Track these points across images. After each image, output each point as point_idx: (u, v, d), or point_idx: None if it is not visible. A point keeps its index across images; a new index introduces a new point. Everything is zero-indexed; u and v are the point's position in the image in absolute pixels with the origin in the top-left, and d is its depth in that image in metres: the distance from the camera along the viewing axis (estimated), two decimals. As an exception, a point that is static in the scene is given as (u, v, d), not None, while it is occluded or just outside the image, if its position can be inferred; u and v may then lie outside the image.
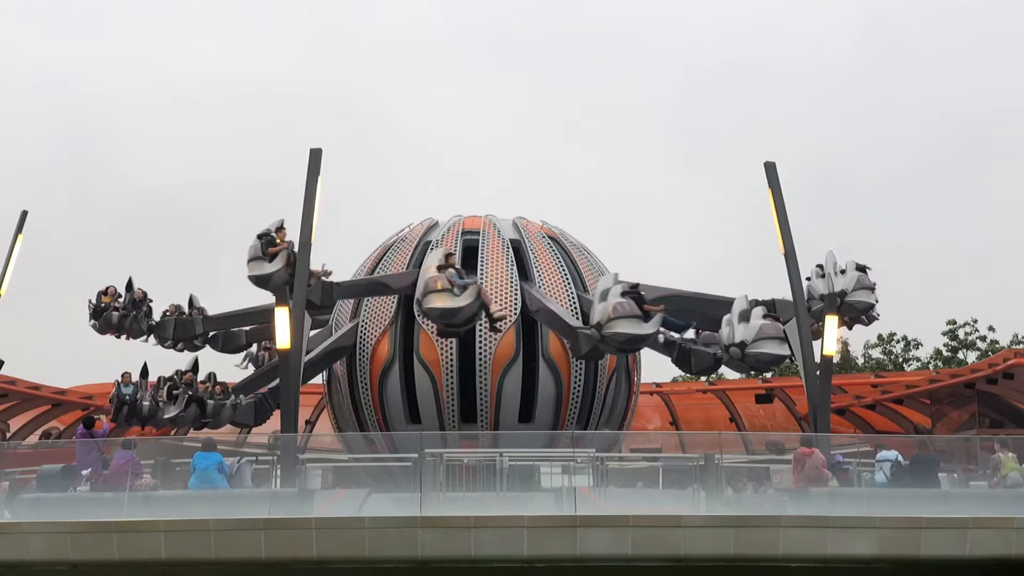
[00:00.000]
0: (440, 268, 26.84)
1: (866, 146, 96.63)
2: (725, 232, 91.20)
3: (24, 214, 30.85)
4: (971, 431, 36.20)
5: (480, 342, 30.91)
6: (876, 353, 63.64)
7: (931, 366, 59.94)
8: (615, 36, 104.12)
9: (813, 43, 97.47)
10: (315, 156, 26.31)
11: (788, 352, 27.27)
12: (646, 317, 26.56)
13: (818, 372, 26.74)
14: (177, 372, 29.47)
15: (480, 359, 31.07)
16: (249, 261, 27.23)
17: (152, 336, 31.04)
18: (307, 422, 39.93)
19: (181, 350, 31.55)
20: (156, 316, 31.06)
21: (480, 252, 32.32)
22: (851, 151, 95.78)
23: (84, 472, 22.44)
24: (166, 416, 28.67)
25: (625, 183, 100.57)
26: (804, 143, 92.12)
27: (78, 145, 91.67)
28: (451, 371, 31.03)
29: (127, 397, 28.83)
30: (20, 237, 30.59)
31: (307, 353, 30.47)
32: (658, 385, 45.31)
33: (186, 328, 30.98)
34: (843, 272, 29.02)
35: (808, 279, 28.86)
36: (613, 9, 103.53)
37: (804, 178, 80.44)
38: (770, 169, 27.38)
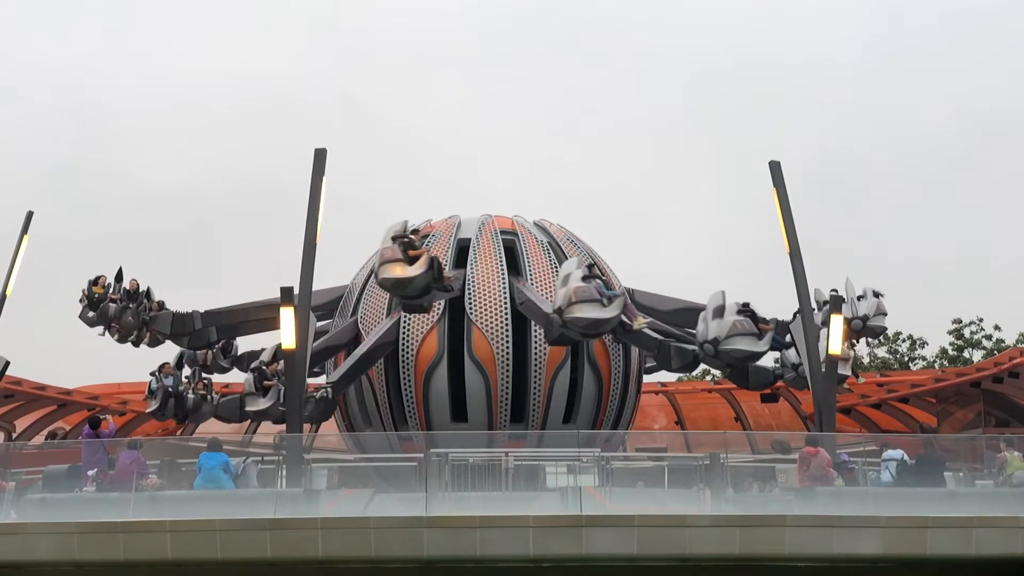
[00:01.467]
0: (585, 279, 26.99)
1: (874, 146, 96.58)
2: (730, 232, 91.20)
3: (30, 215, 30.86)
4: (977, 430, 36.17)
5: (535, 341, 31.07)
6: (882, 352, 63.55)
7: (937, 365, 59.85)
8: (622, 34, 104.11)
9: (823, 43, 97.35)
10: (320, 156, 26.30)
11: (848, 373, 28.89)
12: (760, 335, 27.05)
13: (823, 371, 26.73)
14: (262, 363, 28.58)
15: (536, 359, 31.17)
16: (384, 264, 26.87)
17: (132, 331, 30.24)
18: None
19: (137, 344, 30.74)
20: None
21: (522, 254, 32.48)
22: (859, 151, 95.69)
23: (90, 472, 22.47)
24: (253, 409, 27.79)
25: (630, 182, 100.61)
26: (812, 143, 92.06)
27: (83, 145, 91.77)
28: (507, 370, 31.04)
29: (170, 389, 28.18)
30: (26, 238, 30.56)
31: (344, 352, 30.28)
32: (663, 384, 45.27)
33: (184, 323, 30.56)
34: (861, 298, 30.35)
35: (825, 303, 28.99)
36: (620, 7, 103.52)
37: (812, 178, 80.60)
38: (775, 168, 27.38)
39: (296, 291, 25.56)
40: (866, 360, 62.80)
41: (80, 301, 30.19)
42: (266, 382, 27.89)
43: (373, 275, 27.98)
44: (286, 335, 25.08)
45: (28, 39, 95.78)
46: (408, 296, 27.55)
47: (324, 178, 26.15)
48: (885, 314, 30.88)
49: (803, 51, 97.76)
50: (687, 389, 47.18)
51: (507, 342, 30.97)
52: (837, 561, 20.28)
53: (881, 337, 31.64)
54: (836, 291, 30.13)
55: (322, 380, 30.79)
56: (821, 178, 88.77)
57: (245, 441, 32.51)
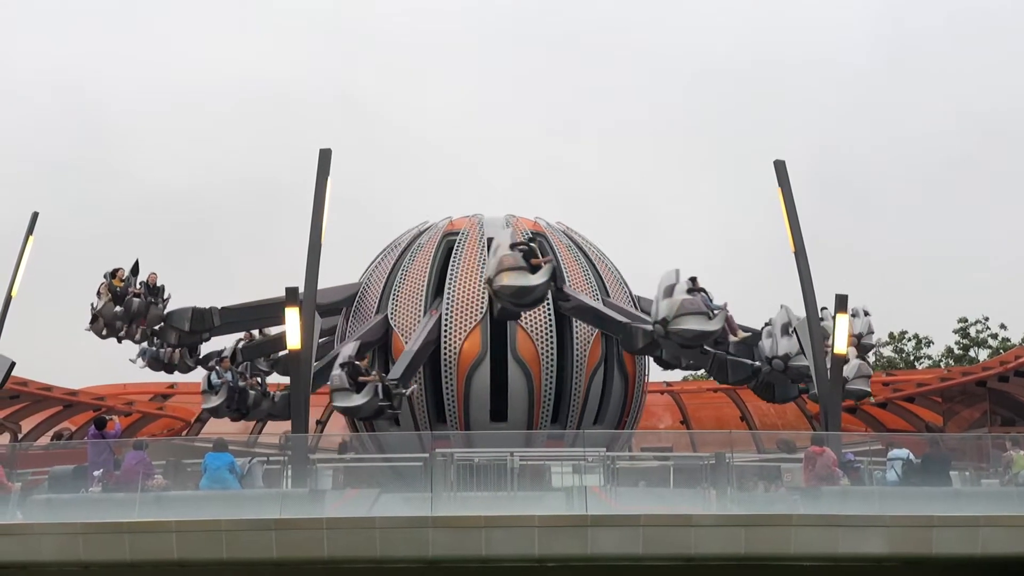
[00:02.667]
0: (690, 291, 27.43)
1: (876, 146, 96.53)
2: (732, 232, 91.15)
3: (35, 216, 30.85)
4: (982, 429, 36.18)
5: (576, 342, 31.42)
6: (887, 351, 63.49)
7: (942, 364, 59.81)
8: (622, 35, 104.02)
9: (824, 43, 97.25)
10: (324, 157, 26.30)
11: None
12: None
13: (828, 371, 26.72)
14: (351, 359, 28.27)
15: (576, 359, 31.26)
16: (505, 271, 26.89)
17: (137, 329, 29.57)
18: (318, 422, 39.94)
19: (120, 341, 29.97)
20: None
21: (555, 256, 32.73)
22: (861, 151, 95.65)
23: (96, 473, 22.48)
24: (346, 405, 27.51)
25: (630, 183, 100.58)
26: (814, 143, 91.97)
27: (83, 145, 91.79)
28: (551, 370, 31.20)
29: (232, 384, 27.72)
30: (31, 239, 30.53)
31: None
32: (669, 384, 45.27)
33: (204, 319, 30.24)
34: (854, 316, 30.45)
35: (822, 320, 29.15)
36: (620, 7, 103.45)
37: (814, 178, 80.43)
38: (780, 168, 27.38)
39: (301, 291, 25.56)
40: (872, 360, 62.73)
41: (99, 295, 29.44)
42: (362, 378, 27.61)
43: (488, 281, 27.66)
44: (292, 335, 25.09)
45: (28, 40, 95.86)
46: (524, 304, 27.68)
47: (329, 178, 26.17)
48: (874, 332, 31.63)
49: (805, 51, 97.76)
50: (692, 389, 47.24)
51: (551, 342, 31.15)
52: (842, 560, 20.25)
53: (887, 337, 31.78)
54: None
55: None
56: (823, 178, 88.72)
57: (251, 441, 32.50)
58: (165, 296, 29.82)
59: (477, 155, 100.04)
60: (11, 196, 74.90)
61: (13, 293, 29.96)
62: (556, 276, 27.18)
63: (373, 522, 20.31)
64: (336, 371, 28.07)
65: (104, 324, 29.60)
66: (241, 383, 28.08)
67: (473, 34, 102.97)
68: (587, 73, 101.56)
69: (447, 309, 31.64)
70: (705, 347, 29.08)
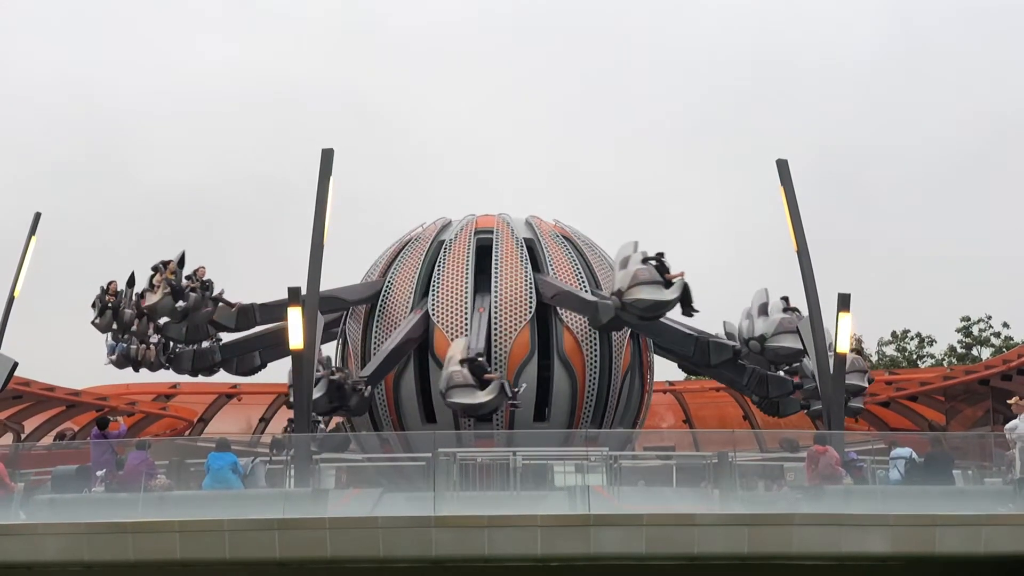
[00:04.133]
0: (785, 310, 28.39)
1: (884, 144, 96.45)
2: (741, 231, 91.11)
3: (37, 216, 30.90)
4: (985, 428, 36.11)
5: (614, 346, 31.67)
6: (890, 350, 63.46)
7: (945, 363, 59.76)
8: (631, 35, 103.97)
9: (835, 44, 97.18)
10: (327, 156, 26.34)
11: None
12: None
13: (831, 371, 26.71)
14: (473, 354, 27.91)
15: (615, 362, 31.75)
16: (639, 284, 27.17)
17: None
18: (316, 422, 39.75)
19: (123, 333, 29.74)
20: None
21: (586, 259, 32.85)
22: (872, 149, 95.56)
23: (99, 473, 22.51)
24: (470, 402, 27.14)
25: (638, 182, 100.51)
26: (824, 142, 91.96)
27: (93, 146, 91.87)
28: (594, 370, 31.37)
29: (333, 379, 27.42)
30: (33, 239, 30.58)
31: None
32: (671, 383, 45.24)
33: (248, 317, 30.06)
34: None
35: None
36: (630, 9, 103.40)
37: (824, 176, 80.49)
38: (782, 167, 27.40)
39: (305, 291, 25.56)
40: (875, 358, 62.76)
41: (153, 289, 29.04)
42: (487, 375, 27.33)
43: (617, 293, 27.69)
44: (294, 335, 25.07)
45: (32, 42, 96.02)
46: (652, 317, 28.07)
47: (332, 178, 26.18)
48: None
49: (810, 51, 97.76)
50: (695, 388, 47.17)
51: (595, 344, 31.35)
52: (845, 559, 20.24)
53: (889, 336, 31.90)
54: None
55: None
56: (827, 177, 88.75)
57: (253, 441, 32.49)
58: (217, 291, 29.55)
59: (484, 157, 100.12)
60: (14, 197, 75.04)
61: (16, 293, 30.01)
62: (686, 291, 27.36)
63: (376, 522, 20.31)
64: (455, 367, 27.58)
65: (112, 321, 29.51)
66: (334, 377, 27.81)
67: (479, 37, 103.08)
68: (597, 75, 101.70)
69: (495, 309, 31.38)
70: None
